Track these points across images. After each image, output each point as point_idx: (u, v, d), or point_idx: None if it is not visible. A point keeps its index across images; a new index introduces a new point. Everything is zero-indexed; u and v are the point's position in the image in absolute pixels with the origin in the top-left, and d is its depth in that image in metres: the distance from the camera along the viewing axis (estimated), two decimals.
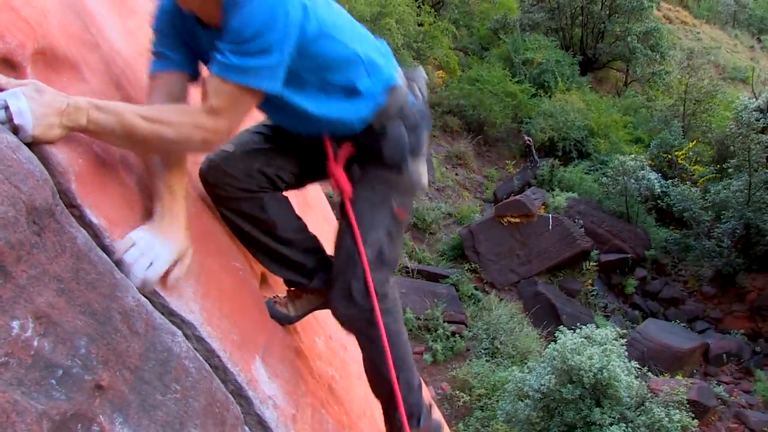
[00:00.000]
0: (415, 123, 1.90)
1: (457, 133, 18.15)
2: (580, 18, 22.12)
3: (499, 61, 20.39)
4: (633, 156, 15.14)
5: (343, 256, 1.90)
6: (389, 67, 1.86)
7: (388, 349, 1.90)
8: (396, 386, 1.94)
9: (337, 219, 2.01)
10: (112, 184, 1.42)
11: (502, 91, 18.41)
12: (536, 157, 17.04)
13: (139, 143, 1.41)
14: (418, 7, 18.31)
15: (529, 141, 17.40)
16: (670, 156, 16.36)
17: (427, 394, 2.34)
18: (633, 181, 14.37)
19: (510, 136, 18.69)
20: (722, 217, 13.76)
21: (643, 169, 14.53)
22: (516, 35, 21.30)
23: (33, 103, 1.16)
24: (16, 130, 1.13)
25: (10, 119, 1.13)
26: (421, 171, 1.98)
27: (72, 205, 1.24)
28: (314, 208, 3.12)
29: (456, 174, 16.88)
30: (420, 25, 17.82)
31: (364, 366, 2.07)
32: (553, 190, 15.62)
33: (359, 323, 1.93)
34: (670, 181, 15.25)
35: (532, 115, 18.24)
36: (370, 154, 1.84)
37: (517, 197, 14.57)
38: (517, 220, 13.90)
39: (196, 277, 1.56)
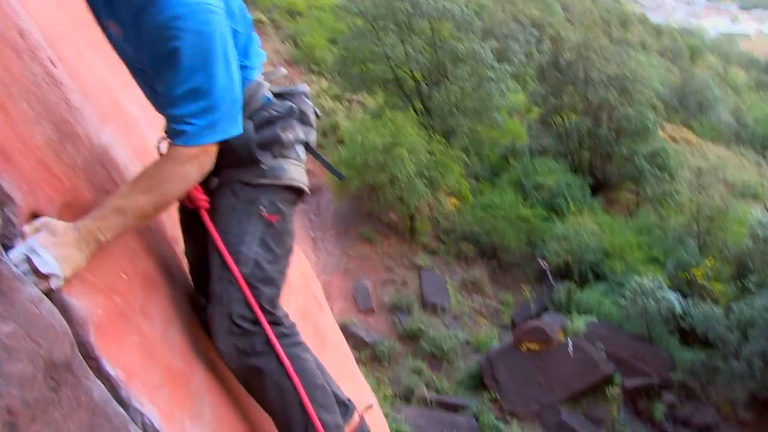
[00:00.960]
0: (269, 118, 1.84)
1: (471, 260, 19.22)
2: (588, 141, 23.84)
3: (510, 186, 21.71)
4: (650, 276, 15.70)
5: (216, 281, 1.76)
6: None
7: (296, 379, 1.75)
8: (315, 420, 1.77)
9: (194, 240, 1.97)
10: (130, 334, 1.49)
11: (514, 215, 19.57)
12: (552, 281, 17.90)
13: (152, 214, 1.57)
14: (429, 136, 19.90)
15: (544, 265, 18.37)
16: (688, 275, 16.97)
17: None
18: (652, 301, 14.76)
19: (524, 260, 19.65)
20: (749, 336, 13.84)
21: (661, 289, 15.04)
22: (526, 160, 22.91)
23: (52, 248, 1.26)
24: (46, 277, 1.23)
25: (35, 271, 1.22)
26: (291, 168, 1.88)
27: (90, 357, 1.29)
28: (330, 344, 3.16)
29: (472, 301, 17.75)
30: (431, 153, 19.12)
31: (274, 422, 1.84)
32: (570, 314, 16.20)
33: (250, 358, 1.75)
34: (690, 300, 15.61)
35: (545, 239, 19.16)
36: (220, 156, 1.66)
37: (536, 323, 15.24)
38: (536, 346, 14.50)
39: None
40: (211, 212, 1.81)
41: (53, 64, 1.70)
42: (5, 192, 1.25)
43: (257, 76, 1.88)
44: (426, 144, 19.00)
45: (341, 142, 20.03)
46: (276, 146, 1.85)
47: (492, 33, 29.70)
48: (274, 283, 1.83)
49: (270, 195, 1.83)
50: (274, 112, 1.86)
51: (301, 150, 1.93)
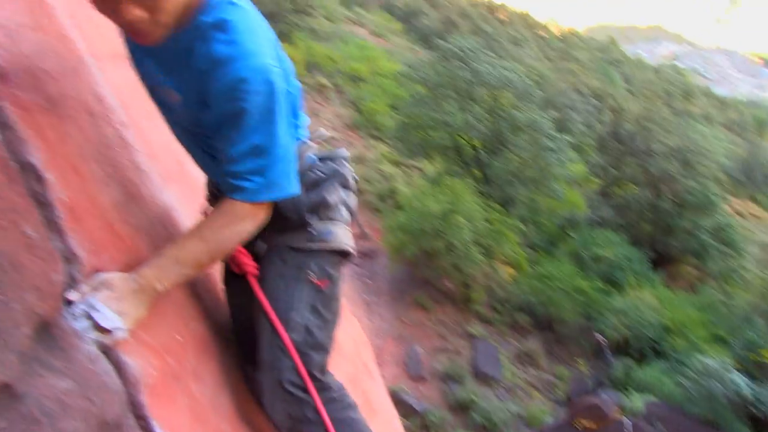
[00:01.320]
0: (316, 179, 1.88)
1: (526, 330, 19.22)
2: (648, 214, 23.69)
3: (568, 257, 21.66)
4: (715, 356, 15.31)
5: (266, 348, 1.80)
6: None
7: None
8: None
9: (244, 305, 1.96)
10: (181, 396, 1.53)
11: (571, 287, 19.33)
12: (609, 357, 17.70)
13: (207, 264, 1.61)
14: (487, 204, 19.88)
15: (602, 339, 18.23)
16: (757, 357, 16.44)
17: None
18: (718, 384, 14.28)
19: (581, 333, 19.43)
20: None
21: (728, 371, 14.58)
22: (584, 231, 22.87)
23: (112, 302, 1.31)
24: (108, 332, 1.29)
25: (97, 326, 1.27)
26: (338, 231, 1.91)
27: (140, 417, 1.35)
28: (379, 413, 3.17)
29: (525, 373, 17.71)
30: (488, 222, 19.22)
31: None
32: (628, 392, 15.87)
33: (302, 425, 1.82)
34: (760, 383, 15.03)
35: (603, 312, 18.95)
36: (269, 220, 1.69)
37: (592, 399, 15.05)
38: (593, 424, 14.36)
39: None
40: (260, 278, 1.85)
41: (124, 126, 1.79)
42: (71, 250, 1.32)
43: (304, 136, 1.91)
44: (483, 212, 19.14)
45: (399, 207, 20.52)
46: (323, 209, 1.88)
47: (552, 103, 30.21)
48: (324, 348, 1.87)
49: (318, 259, 1.87)
50: (321, 174, 1.90)
51: (344, 211, 1.96)
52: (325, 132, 2.07)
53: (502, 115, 22.36)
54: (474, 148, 22.82)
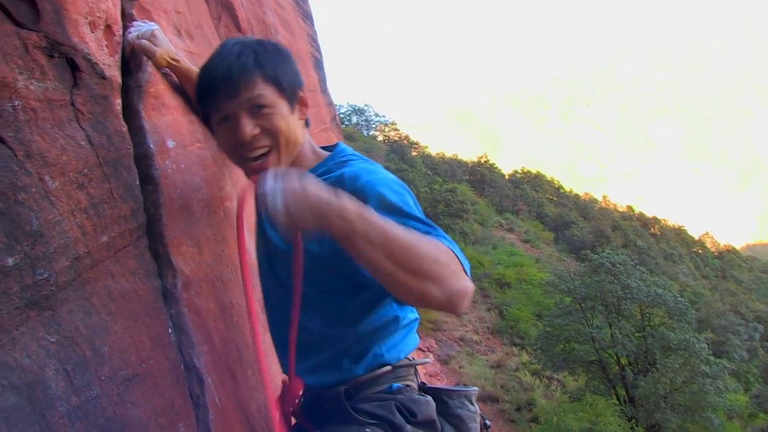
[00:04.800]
0: (428, 420, 1.68)
1: None
2: None
3: None
4: None
5: None
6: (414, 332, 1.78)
7: None
8: None
9: None
10: None
11: None
12: None
13: (384, 265, 1.33)
14: (631, 429, 18.61)
15: None
16: None
17: None
18: None
19: None
20: None
21: None
22: None
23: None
24: None
25: None
26: None
27: None
28: None
29: None
30: None
31: None
32: None
33: None
34: None
35: None
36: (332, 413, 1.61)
37: None
38: None
39: None
40: None
41: None
42: None
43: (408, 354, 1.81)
44: None
45: (535, 420, 19.65)
46: None
47: (709, 324, 28.46)
48: None
49: None
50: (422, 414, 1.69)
51: None
52: (430, 360, 2.05)
53: (652, 333, 21.38)
54: (620, 365, 21.72)
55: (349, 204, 1.31)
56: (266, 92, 1.61)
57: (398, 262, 1.32)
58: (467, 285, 1.40)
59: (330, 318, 1.72)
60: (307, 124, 1.80)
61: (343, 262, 1.48)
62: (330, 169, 1.67)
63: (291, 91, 1.68)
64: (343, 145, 1.84)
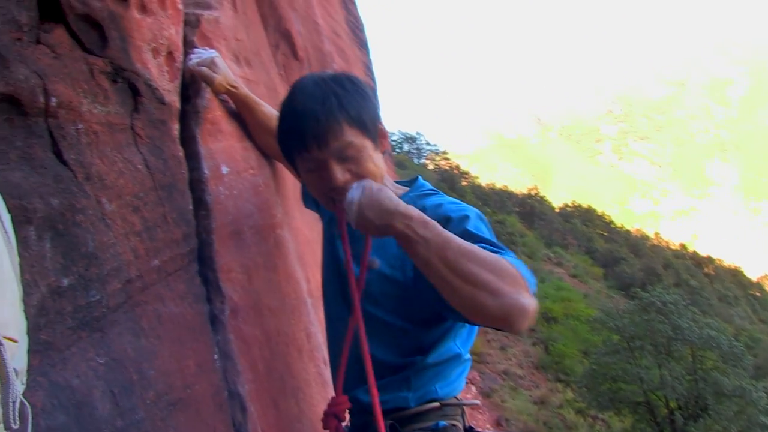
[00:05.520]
0: None
1: None
2: None
3: None
4: None
5: None
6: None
7: None
8: None
9: None
10: None
11: None
12: None
13: (446, 276, 1.36)
14: None
15: None
16: None
17: None
18: None
19: None
20: None
21: None
22: None
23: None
24: None
25: None
26: None
27: None
28: None
29: None
30: None
31: None
32: None
33: None
34: None
35: None
36: None
37: None
38: None
39: None
40: None
41: (326, 364, 1.86)
42: None
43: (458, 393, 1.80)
44: None
45: None
46: None
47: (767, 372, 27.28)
48: None
49: None
50: None
51: None
52: (477, 402, 1.99)
53: (704, 378, 20.59)
54: (669, 408, 20.96)
55: (414, 211, 1.42)
56: (354, 138, 1.64)
57: (455, 270, 1.35)
58: (527, 302, 1.36)
59: (400, 346, 1.73)
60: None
61: (424, 290, 1.50)
62: (412, 201, 1.65)
63: (373, 128, 1.71)
64: (422, 179, 1.87)
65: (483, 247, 1.44)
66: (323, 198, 1.71)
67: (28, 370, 0.86)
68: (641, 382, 20.88)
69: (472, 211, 1.63)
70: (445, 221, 1.54)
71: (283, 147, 1.75)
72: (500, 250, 1.47)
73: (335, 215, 1.75)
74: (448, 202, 1.68)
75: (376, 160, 1.68)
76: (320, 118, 1.61)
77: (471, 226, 1.55)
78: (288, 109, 1.69)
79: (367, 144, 1.67)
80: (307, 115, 1.62)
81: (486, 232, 1.56)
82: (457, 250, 1.36)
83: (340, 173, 1.62)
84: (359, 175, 1.62)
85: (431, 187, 1.83)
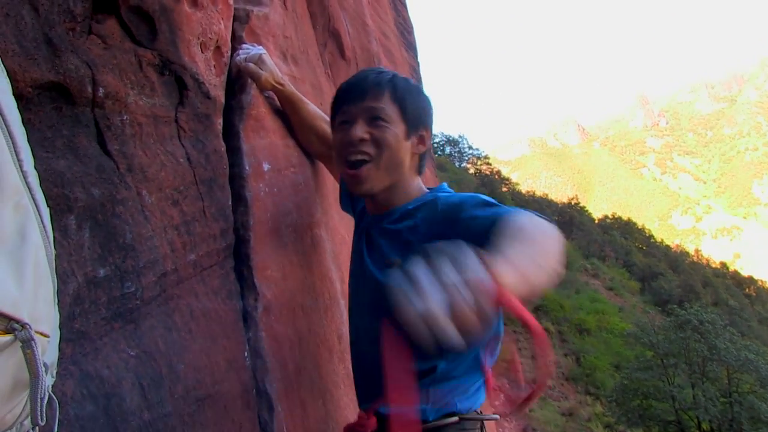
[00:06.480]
0: None
1: None
2: None
3: None
4: None
5: None
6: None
7: None
8: None
9: None
10: None
11: None
12: None
13: (538, 269, 1.27)
14: None
15: None
16: None
17: None
18: None
19: None
20: None
21: None
22: None
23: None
24: None
25: None
26: None
27: None
28: None
29: None
30: None
31: None
32: None
33: None
34: None
35: None
36: None
37: None
38: None
39: None
40: None
41: None
42: None
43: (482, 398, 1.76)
44: None
45: None
46: None
47: None
48: None
49: None
50: None
51: None
52: (497, 417, 1.86)
53: (740, 401, 19.99)
54: (701, 430, 20.41)
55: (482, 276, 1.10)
56: (388, 109, 1.68)
57: (536, 285, 1.24)
58: (558, 262, 1.38)
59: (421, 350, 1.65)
60: (421, 167, 1.82)
61: None
62: (430, 196, 1.72)
63: (414, 120, 1.73)
64: (447, 185, 1.86)
65: (497, 211, 1.48)
66: (338, 155, 1.74)
67: (59, 361, 0.85)
68: (673, 400, 20.41)
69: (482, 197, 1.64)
70: (458, 207, 1.57)
71: (332, 105, 1.79)
72: (503, 210, 1.50)
73: (356, 208, 1.83)
74: (461, 194, 1.68)
75: (400, 143, 1.69)
76: (369, 79, 1.71)
77: (484, 198, 1.58)
78: (345, 82, 1.79)
79: (400, 125, 1.69)
80: (360, 77, 1.74)
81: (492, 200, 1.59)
82: (533, 276, 1.22)
83: (360, 130, 1.66)
84: (377, 141, 1.66)
85: (451, 191, 1.82)
